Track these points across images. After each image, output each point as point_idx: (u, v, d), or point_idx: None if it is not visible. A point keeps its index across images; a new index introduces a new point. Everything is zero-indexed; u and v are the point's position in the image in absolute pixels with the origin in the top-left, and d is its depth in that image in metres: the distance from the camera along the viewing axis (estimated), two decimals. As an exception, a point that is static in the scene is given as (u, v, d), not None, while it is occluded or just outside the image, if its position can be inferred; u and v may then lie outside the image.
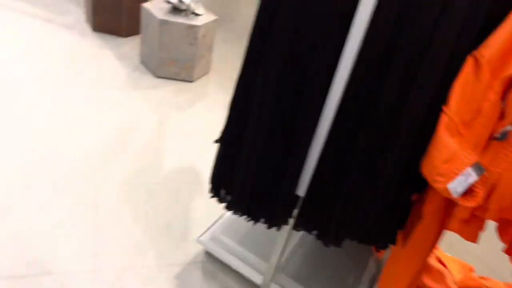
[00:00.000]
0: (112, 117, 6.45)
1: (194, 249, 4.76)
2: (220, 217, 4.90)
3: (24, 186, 5.00)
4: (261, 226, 3.67)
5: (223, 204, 3.67)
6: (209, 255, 4.71)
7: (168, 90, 7.45)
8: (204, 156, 6.11)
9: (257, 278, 4.28)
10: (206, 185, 5.65)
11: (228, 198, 3.56)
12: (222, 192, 3.60)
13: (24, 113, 6.05)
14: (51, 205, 4.87)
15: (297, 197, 3.19)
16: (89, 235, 4.65)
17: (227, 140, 3.44)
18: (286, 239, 3.66)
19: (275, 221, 3.45)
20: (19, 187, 4.97)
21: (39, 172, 5.21)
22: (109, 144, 5.94)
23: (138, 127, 6.41)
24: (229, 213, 4.83)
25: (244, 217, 3.52)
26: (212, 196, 3.69)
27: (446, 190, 2.42)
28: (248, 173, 3.26)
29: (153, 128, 6.47)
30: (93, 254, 4.48)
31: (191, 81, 7.83)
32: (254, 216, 3.47)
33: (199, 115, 7.07)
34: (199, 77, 7.99)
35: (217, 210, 4.92)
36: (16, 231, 4.50)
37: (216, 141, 3.51)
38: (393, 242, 3.23)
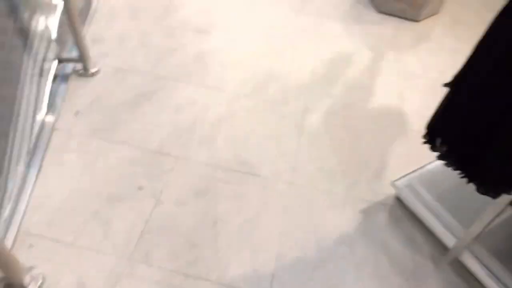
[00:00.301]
0: (328, 47, 6.57)
1: (385, 191, 4.72)
2: (421, 168, 4.65)
3: (240, 100, 5.69)
4: (468, 188, 3.34)
5: (436, 154, 3.44)
6: (399, 201, 4.61)
7: (389, 27, 7.07)
8: (414, 101, 5.76)
9: (448, 240, 4.02)
10: (411, 131, 5.39)
11: (443, 148, 3.31)
12: (438, 140, 3.36)
13: (244, 36, 6.69)
14: (264, 119, 5.45)
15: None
16: (291, 151, 5.09)
17: (458, 87, 3.12)
18: (498, 212, 3.27)
19: (492, 187, 3.08)
20: (236, 102, 5.69)
21: (253, 93, 5.83)
22: (320, 73, 6.14)
23: (352, 61, 6.38)
24: (431, 166, 4.54)
25: (457, 172, 3.25)
26: (425, 142, 3.49)
27: None
28: (470, 125, 2.94)
29: (367, 65, 6.35)
30: (292, 168, 4.91)
31: (416, 21, 7.22)
32: (469, 174, 3.16)
33: (419, 58, 6.56)
34: (426, 17, 7.29)
35: (418, 159, 4.68)
36: (235, 136, 5.25)
37: (446, 85, 3.22)
38: None
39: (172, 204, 4.53)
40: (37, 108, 5.15)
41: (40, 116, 5.16)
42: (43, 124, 5.14)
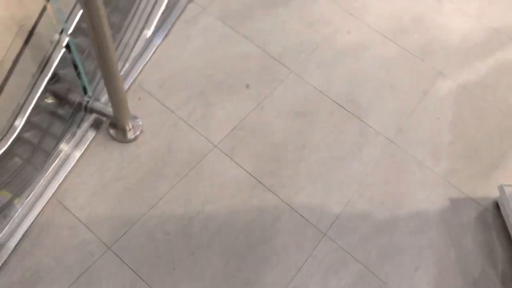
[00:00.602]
0: (502, 16, 5.66)
1: (486, 191, 4.30)
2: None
3: (375, 37, 5.26)
4: None
5: None
6: (496, 207, 4.20)
7: None
8: None
9: (532, 268, 3.66)
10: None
11: None
12: None
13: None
14: (392, 66, 5.05)
15: None
16: (406, 111, 4.74)
17: None
18: None
19: None
20: (371, 38, 5.26)
21: (392, 34, 5.32)
22: (475, 40, 5.39)
23: (517, 40, 5.50)
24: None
25: None
26: None
27: None
28: None
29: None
30: (399, 128, 4.61)
31: None
32: None
33: None
34: None
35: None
36: (356, 72, 4.97)
37: None
38: None
39: (271, 113, 4.57)
40: None
41: None
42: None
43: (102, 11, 2.98)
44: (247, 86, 4.72)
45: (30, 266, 3.53)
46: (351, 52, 5.11)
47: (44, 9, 3.91)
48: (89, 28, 3.10)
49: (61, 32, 3.80)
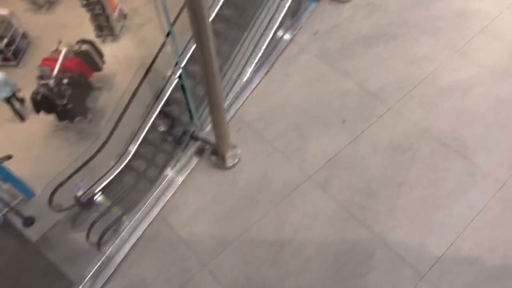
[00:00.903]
0: None
1: None
2: None
3: (483, 74, 4.98)
4: None
5: None
6: None
7: None
8: None
9: None
10: None
11: None
12: None
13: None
14: (504, 105, 4.71)
15: None
16: None
17: None
18: None
19: None
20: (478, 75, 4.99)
21: (505, 73, 4.99)
22: None
23: None
24: None
25: None
26: None
27: None
28: None
29: None
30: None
31: None
32: None
33: None
34: None
35: None
36: (462, 110, 4.74)
37: None
38: None
39: (367, 147, 4.51)
40: (276, 19, 5.47)
41: (280, 30, 5.55)
42: (282, 36, 5.57)
43: (213, 48, 3.31)
44: (343, 121, 4.75)
45: (136, 274, 3.87)
46: (457, 90, 4.89)
47: (163, 44, 4.44)
48: (200, 62, 3.48)
49: (176, 65, 4.26)
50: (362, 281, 3.68)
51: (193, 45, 4.71)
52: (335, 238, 3.95)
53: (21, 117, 5.55)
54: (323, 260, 3.83)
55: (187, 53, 4.78)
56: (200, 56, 3.40)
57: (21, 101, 5.57)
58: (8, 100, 5.30)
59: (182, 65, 4.42)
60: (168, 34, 4.01)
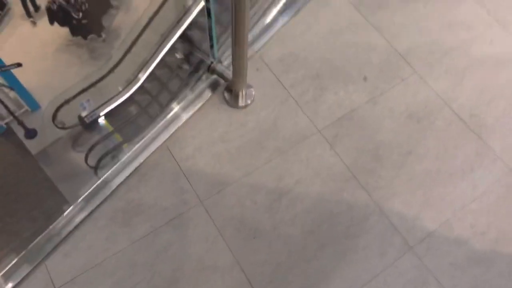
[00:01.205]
0: None
1: None
2: None
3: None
4: None
5: None
6: None
7: None
8: None
9: None
10: None
11: None
12: None
13: None
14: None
15: None
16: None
17: None
18: None
19: None
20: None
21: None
22: None
23: None
24: None
25: None
26: None
27: None
28: None
29: None
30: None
31: None
32: None
33: None
34: None
35: None
36: (485, 88, 4.49)
37: None
38: None
39: (383, 110, 4.36)
40: None
41: None
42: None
43: None
44: (365, 78, 4.56)
45: (133, 199, 3.93)
46: (488, 64, 4.62)
47: None
48: None
49: None
50: (351, 243, 3.76)
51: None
52: (334, 196, 3.96)
53: (29, 15, 5.36)
54: (318, 216, 3.88)
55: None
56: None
57: (35, 5, 5.37)
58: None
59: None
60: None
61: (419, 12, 4.94)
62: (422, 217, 3.84)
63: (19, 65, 4.18)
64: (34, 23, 5.34)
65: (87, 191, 3.98)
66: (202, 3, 4.19)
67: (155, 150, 4.18)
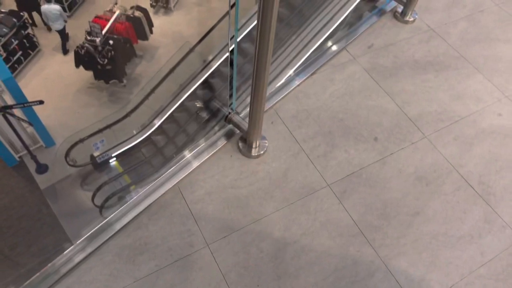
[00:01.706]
0: None
1: None
2: None
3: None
4: None
5: None
6: None
7: None
8: None
9: None
10: None
11: None
12: None
13: None
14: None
15: None
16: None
17: None
18: None
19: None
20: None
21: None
22: None
23: None
24: None
25: None
26: None
27: None
28: None
29: None
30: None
31: None
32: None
33: None
34: None
35: None
36: (494, 156, 4.57)
37: None
38: None
39: (392, 170, 4.43)
40: (329, 27, 5.44)
41: (332, 39, 5.52)
42: (332, 45, 5.50)
43: (274, 26, 3.22)
44: (375, 139, 4.66)
45: (141, 237, 3.94)
46: (497, 135, 4.74)
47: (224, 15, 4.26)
48: (258, 36, 3.37)
49: (231, 38, 4.17)
50: (355, 299, 3.62)
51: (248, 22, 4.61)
52: (339, 250, 3.92)
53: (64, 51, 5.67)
54: (322, 269, 3.82)
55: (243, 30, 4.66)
56: (260, 30, 3.29)
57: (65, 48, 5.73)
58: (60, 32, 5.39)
59: (238, 39, 4.30)
60: (232, 6, 3.94)
61: (430, 83, 5.19)
62: (428, 279, 3.74)
63: (41, 102, 4.39)
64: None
65: (90, 231, 4.03)
66: (226, 54, 4.41)
67: (168, 190, 4.22)
